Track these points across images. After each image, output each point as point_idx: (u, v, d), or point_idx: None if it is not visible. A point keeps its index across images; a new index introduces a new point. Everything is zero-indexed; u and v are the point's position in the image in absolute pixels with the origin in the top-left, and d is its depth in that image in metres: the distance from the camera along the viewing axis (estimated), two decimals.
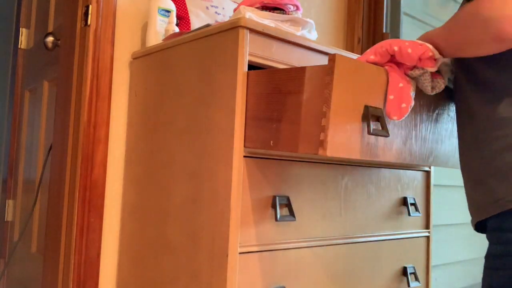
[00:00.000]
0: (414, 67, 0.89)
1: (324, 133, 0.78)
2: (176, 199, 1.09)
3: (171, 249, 1.09)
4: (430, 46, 0.87)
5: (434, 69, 0.89)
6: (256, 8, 1.12)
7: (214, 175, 0.98)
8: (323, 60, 1.10)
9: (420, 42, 0.88)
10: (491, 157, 0.77)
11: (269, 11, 1.14)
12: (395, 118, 0.86)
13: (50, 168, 1.48)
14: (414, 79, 0.92)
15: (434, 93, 0.94)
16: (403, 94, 0.87)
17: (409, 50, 0.86)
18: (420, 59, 0.86)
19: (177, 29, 1.31)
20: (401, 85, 0.87)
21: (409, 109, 0.87)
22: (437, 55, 0.87)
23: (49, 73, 1.70)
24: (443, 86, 0.93)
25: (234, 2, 1.52)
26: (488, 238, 0.80)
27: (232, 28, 0.96)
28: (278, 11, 1.15)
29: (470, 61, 0.85)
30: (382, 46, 0.88)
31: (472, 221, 0.84)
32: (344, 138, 0.80)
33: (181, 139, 1.09)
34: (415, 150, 0.99)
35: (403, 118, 0.87)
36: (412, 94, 0.89)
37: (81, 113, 1.30)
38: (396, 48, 0.86)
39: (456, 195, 2.48)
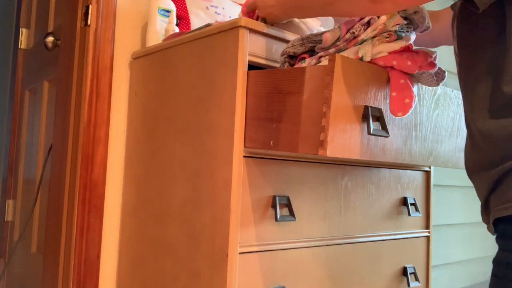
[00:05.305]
0: None
1: (324, 133, 0.78)
2: (176, 199, 1.09)
3: (171, 249, 1.09)
4: (429, 51, 0.87)
5: (435, 70, 0.89)
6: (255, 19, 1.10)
7: (214, 175, 0.98)
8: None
9: (417, 49, 0.88)
10: None
11: None
12: (400, 114, 0.86)
13: (50, 168, 1.48)
14: (416, 76, 0.92)
15: (440, 84, 0.95)
16: (405, 90, 0.87)
17: (409, 63, 0.86)
18: (420, 67, 0.87)
19: (177, 29, 1.31)
20: (402, 81, 0.87)
21: (413, 104, 0.87)
22: (435, 56, 0.88)
23: (49, 73, 1.70)
24: (445, 75, 0.94)
25: (234, 2, 1.52)
26: (501, 244, 0.72)
27: (232, 28, 0.96)
28: None
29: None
30: (379, 61, 0.88)
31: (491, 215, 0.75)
32: (344, 138, 0.80)
33: (181, 139, 1.09)
34: (415, 150, 0.99)
35: (408, 113, 0.87)
36: (415, 89, 0.89)
37: (81, 113, 1.30)
38: (395, 63, 0.87)
39: (456, 195, 2.48)
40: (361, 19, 0.87)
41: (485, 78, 0.74)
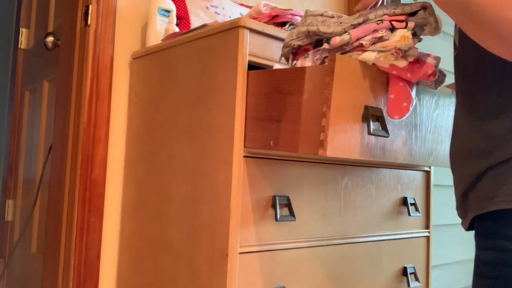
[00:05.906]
0: None
1: (324, 133, 0.78)
2: (176, 199, 1.09)
3: (171, 249, 1.09)
4: (431, 62, 0.85)
5: (435, 79, 0.89)
6: (264, 23, 1.09)
7: (214, 175, 0.98)
8: None
9: (419, 64, 0.86)
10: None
11: (280, 27, 1.13)
12: (396, 117, 0.86)
13: (50, 168, 1.48)
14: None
15: (438, 88, 0.94)
16: (404, 93, 0.86)
17: (408, 75, 0.85)
18: (420, 78, 0.86)
19: (177, 29, 1.31)
20: (401, 84, 0.87)
21: (411, 108, 0.86)
22: (435, 69, 0.86)
23: (49, 73, 1.70)
24: (445, 79, 0.93)
25: (234, 2, 1.52)
26: (480, 243, 0.72)
27: (232, 28, 0.96)
28: (286, 26, 1.14)
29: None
30: (379, 68, 0.87)
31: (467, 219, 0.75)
32: (344, 138, 0.80)
33: (181, 139, 1.09)
34: (415, 150, 0.99)
35: (405, 117, 0.87)
36: (413, 93, 0.88)
37: (81, 113, 1.30)
38: (394, 72, 0.85)
39: None
40: (375, 31, 0.82)
41: (487, 79, 0.73)
